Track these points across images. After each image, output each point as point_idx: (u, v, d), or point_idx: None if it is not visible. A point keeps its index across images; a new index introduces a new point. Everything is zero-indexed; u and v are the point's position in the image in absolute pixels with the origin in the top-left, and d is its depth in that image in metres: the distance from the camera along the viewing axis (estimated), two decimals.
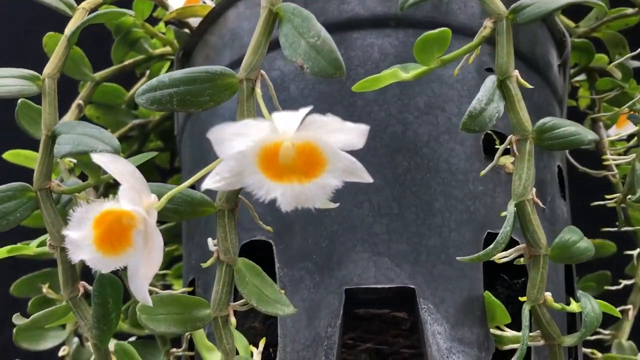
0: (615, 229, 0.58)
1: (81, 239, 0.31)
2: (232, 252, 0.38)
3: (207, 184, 0.30)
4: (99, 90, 0.61)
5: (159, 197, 0.35)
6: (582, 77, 0.64)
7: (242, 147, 0.29)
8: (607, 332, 0.60)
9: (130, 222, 0.32)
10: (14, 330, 0.61)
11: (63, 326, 0.64)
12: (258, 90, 0.36)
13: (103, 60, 0.62)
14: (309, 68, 0.33)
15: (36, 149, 0.60)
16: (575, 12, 0.61)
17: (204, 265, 0.38)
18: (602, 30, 0.58)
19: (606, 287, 0.64)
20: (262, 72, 0.37)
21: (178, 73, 0.37)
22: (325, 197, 0.29)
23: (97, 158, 0.31)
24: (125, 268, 0.33)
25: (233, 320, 0.39)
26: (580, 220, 0.58)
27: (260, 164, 0.29)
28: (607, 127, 0.62)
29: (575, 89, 0.67)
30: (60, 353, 0.62)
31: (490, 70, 0.48)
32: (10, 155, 0.58)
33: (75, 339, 0.63)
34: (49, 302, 0.65)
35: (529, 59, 0.51)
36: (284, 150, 0.30)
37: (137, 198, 0.31)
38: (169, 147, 0.74)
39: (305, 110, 0.29)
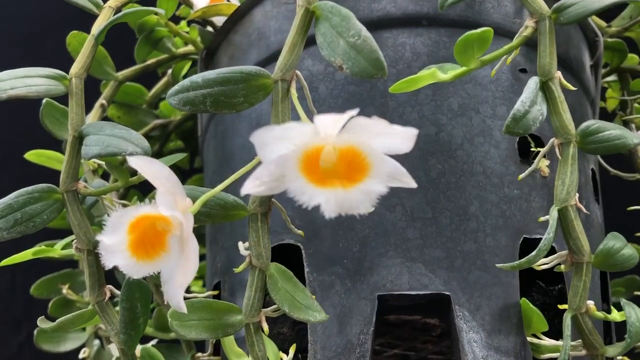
0: None
1: (115, 244, 0.30)
2: (264, 257, 0.37)
3: (247, 189, 0.29)
4: (120, 90, 0.60)
5: (192, 200, 0.34)
6: (611, 77, 0.63)
7: (284, 150, 0.28)
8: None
9: (166, 227, 0.31)
10: (36, 332, 0.60)
11: (83, 328, 0.63)
12: (293, 91, 0.35)
13: (123, 58, 0.61)
14: (348, 68, 0.32)
15: (55, 150, 0.60)
16: (607, 12, 0.60)
17: (237, 270, 0.37)
18: (635, 30, 0.57)
19: (636, 292, 0.63)
20: (297, 72, 0.36)
21: (211, 73, 0.36)
22: (370, 203, 0.28)
23: (133, 161, 0.30)
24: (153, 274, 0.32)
25: (265, 326, 0.38)
26: (611, 224, 0.56)
27: (303, 169, 0.28)
28: (638, 128, 0.61)
29: (603, 89, 0.66)
30: (81, 355, 0.62)
31: (524, 71, 0.47)
32: (32, 156, 0.58)
33: (96, 341, 0.63)
34: (69, 303, 0.65)
35: (563, 60, 0.50)
36: (325, 154, 0.29)
37: (173, 202, 0.30)
38: (189, 148, 0.73)
39: (350, 112, 0.27)
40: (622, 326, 0.45)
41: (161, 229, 0.31)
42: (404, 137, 0.28)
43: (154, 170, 0.31)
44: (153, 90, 0.67)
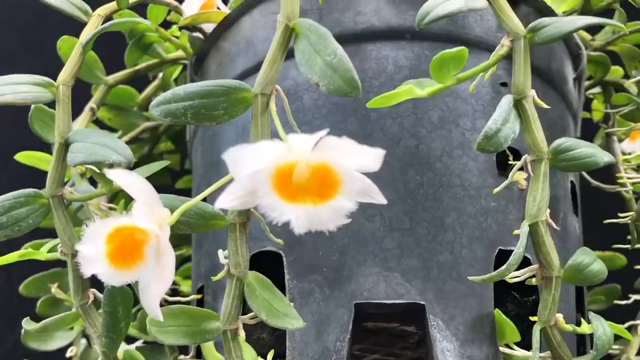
0: (627, 246, 0.57)
1: (93, 254, 0.31)
2: (242, 266, 0.38)
3: (220, 204, 0.30)
4: (111, 92, 0.61)
5: (171, 210, 0.35)
6: (597, 89, 0.63)
7: (257, 166, 0.29)
8: (616, 347, 0.60)
9: (143, 237, 0.32)
10: (22, 332, 0.61)
11: (71, 327, 0.64)
12: (273, 105, 0.36)
13: (114, 61, 0.62)
14: (324, 86, 0.33)
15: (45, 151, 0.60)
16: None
17: (215, 278, 0.38)
18: (619, 44, 0.58)
19: (615, 302, 0.64)
20: (277, 87, 0.37)
21: (193, 86, 0.37)
22: (339, 220, 0.29)
23: (111, 174, 0.31)
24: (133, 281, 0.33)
25: (242, 333, 0.39)
26: (591, 233, 0.57)
27: (275, 185, 0.29)
28: (620, 140, 0.62)
29: (589, 100, 0.67)
30: (68, 354, 0.63)
31: (504, 85, 0.48)
32: (22, 157, 0.59)
33: (83, 340, 0.64)
34: (58, 302, 0.65)
35: (544, 74, 0.51)
36: (298, 170, 0.30)
37: (150, 213, 0.31)
38: (179, 149, 0.74)
39: (321, 133, 0.28)
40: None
41: (139, 239, 0.32)
42: (371, 157, 0.29)
43: (131, 182, 0.32)
44: (144, 93, 0.68)
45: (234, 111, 0.37)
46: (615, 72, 0.61)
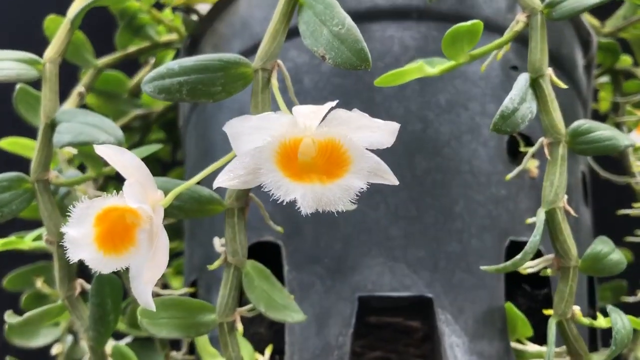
0: (636, 238, 0.55)
1: (81, 237, 0.28)
2: (240, 254, 0.36)
3: (219, 182, 0.28)
4: (100, 78, 0.58)
5: (165, 193, 0.32)
6: (604, 79, 0.61)
7: (259, 142, 0.27)
8: None
9: (135, 220, 0.29)
10: (7, 326, 0.58)
11: (57, 323, 0.61)
12: (274, 81, 0.34)
13: (105, 46, 0.59)
14: (331, 59, 0.31)
15: (33, 137, 0.58)
16: (601, 11, 0.58)
17: (211, 267, 0.36)
18: (629, 31, 0.56)
19: (622, 298, 0.62)
20: (279, 62, 0.34)
21: (189, 60, 0.34)
22: (349, 199, 0.27)
23: (100, 150, 0.28)
24: (126, 268, 0.30)
25: (240, 326, 0.36)
26: (600, 228, 0.55)
27: (279, 162, 0.27)
28: (629, 130, 0.60)
29: (596, 90, 0.65)
30: (54, 351, 0.60)
31: (515, 68, 0.46)
32: (7, 144, 0.56)
33: (70, 337, 0.61)
34: (44, 297, 0.63)
35: (554, 58, 0.48)
36: (304, 147, 0.27)
37: (143, 194, 0.29)
38: (171, 139, 0.72)
39: (329, 104, 0.26)
40: (608, 331, 0.44)
41: (130, 222, 0.29)
42: (386, 131, 0.27)
43: (123, 160, 0.29)
44: (134, 80, 0.65)
45: (233, 87, 0.34)
46: (625, 61, 0.59)
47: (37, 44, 0.47)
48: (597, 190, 0.58)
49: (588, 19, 0.59)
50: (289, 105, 0.34)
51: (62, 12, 0.51)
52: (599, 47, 0.57)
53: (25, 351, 0.60)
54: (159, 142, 0.70)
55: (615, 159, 0.60)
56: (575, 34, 0.53)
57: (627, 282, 0.64)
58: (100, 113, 0.65)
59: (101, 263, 0.29)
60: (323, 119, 0.27)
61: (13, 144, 0.56)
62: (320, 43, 0.31)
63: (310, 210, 0.26)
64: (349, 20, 0.31)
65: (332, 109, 0.26)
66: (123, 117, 0.65)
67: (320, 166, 0.27)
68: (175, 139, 0.71)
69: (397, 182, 0.29)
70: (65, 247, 0.29)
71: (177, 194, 0.32)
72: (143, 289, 0.29)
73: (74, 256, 0.29)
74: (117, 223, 0.29)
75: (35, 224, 0.56)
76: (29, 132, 0.57)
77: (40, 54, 0.42)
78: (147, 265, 0.29)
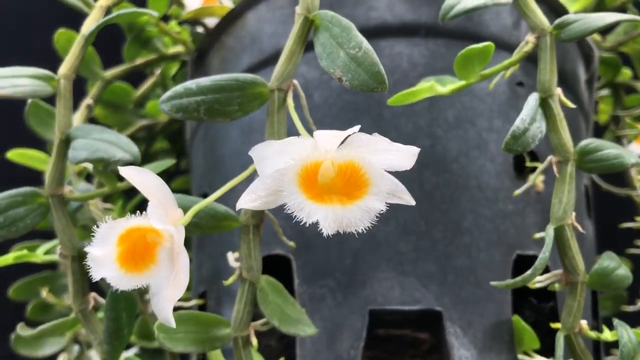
0: (637, 250, 0.56)
1: (104, 256, 0.29)
2: (255, 270, 0.36)
3: (242, 203, 0.28)
4: (106, 89, 0.59)
5: (182, 209, 0.33)
6: (604, 92, 0.62)
7: (281, 165, 0.27)
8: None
9: (156, 239, 0.30)
10: (14, 336, 0.59)
11: (62, 332, 0.62)
12: (290, 101, 0.34)
13: (110, 56, 0.60)
14: (348, 81, 0.31)
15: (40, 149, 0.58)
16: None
17: (226, 283, 0.36)
18: (630, 45, 0.57)
19: (622, 307, 0.62)
20: (295, 82, 0.35)
21: (206, 80, 0.35)
22: (369, 220, 0.27)
23: (124, 171, 0.29)
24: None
25: (254, 340, 0.37)
26: (598, 238, 0.56)
27: (301, 184, 0.27)
28: (629, 142, 0.61)
29: (595, 102, 0.66)
30: None
31: (521, 85, 0.47)
32: (15, 155, 0.56)
33: (76, 347, 0.61)
34: (49, 306, 0.63)
35: (558, 74, 0.49)
36: (324, 169, 0.28)
37: (165, 214, 0.29)
38: (175, 149, 0.72)
39: (351, 130, 0.27)
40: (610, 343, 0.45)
41: (151, 241, 0.30)
42: (405, 155, 0.27)
43: (144, 180, 0.30)
44: (140, 91, 0.66)
45: (249, 107, 0.35)
46: (625, 75, 0.60)
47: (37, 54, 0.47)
48: (598, 202, 0.59)
49: None
50: (304, 122, 0.35)
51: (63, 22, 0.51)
52: (600, 61, 0.58)
53: None
54: (163, 152, 0.71)
55: (615, 172, 0.61)
56: (578, 50, 0.53)
57: (627, 292, 0.64)
58: (106, 123, 0.66)
59: (123, 281, 0.30)
60: (343, 141, 0.28)
61: (21, 155, 0.57)
62: (337, 65, 0.32)
63: (332, 231, 0.27)
64: (365, 43, 0.32)
65: (352, 133, 0.27)
66: (129, 127, 0.66)
67: (339, 188, 0.28)
68: (179, 148, 0.71)
69: (413, 203, 0.30)
70: (88, 265, 0.29)
71: (194, 213, 0.32)
72: (164, 306, 0.30)
73: (96, 274, 0.29)
74: (138, 242, 0.30)
75: (41, 233, 0.57)
76: (34, 144, 0.58)
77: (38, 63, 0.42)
78: (169, 283, 0.29)
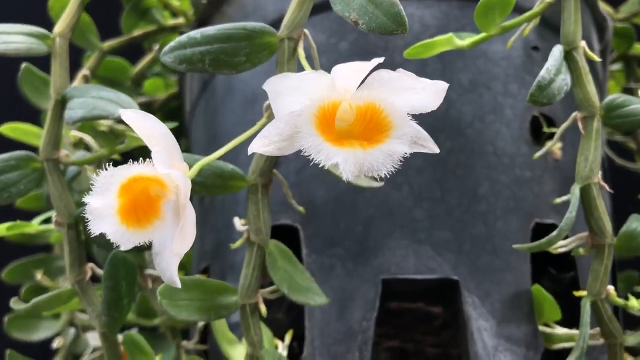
0: None
1: (104, 207, 0.27)
2: (264, 232, 0.34)
3: (254, 147, 0.26)
4: (103, 64, 0.57)
5: None
6: (615, 66, 0.61)
7: (297, 106, 0.25)
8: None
9: (160, 191, 0.27)
10: (7, 319, 0.56)
11: (57, 315, 0.59)
12: (301, 50, 0.32)
13: (108, 29, 0.58)
14: (365, 23, 0.29)
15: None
16: None
17: (234, 246, 0.35)
18: None
19: (635, 288, 0.61)
20: (306, 31, 0.33)
21: (211, 29, 0.33)
22: (392, 164, 0.25)
23: (126, 115, 0.27)
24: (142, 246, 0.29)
25: (263, 308, 0.35)
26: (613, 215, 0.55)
27: (318, 126, 0.25)
28: None
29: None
30: (55, 345, 0.58)
31: (536, 49, 0.45)
32: (7, 129, 0.54)
33: (72, 330, 0.59)
34: (44, 289, 0.61)
35: None
36: (341, 112, 0.26)
37: (170, 163, 0.27)
38: (173, 129, 0.70)
39: (374, 61, 0.25)
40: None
41: (155, 194, 0.28)
42: (431, 92, 0.26)
43: (149, 126, 0.28)
44: (138, 67, 0.64)
45: (258, 57, 0.33)
46: (636, 49, 0.59)
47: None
48: (613, 177, 0.57)
49: (602, 5, 0.58)
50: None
51: None
52: (613, 33, 0.56)
53: (25, 345, 0.58)
54: None
55: (629, 148, 0.59)
56: (591, 19, 0.52)
57: (639, 273, 0.63)
58: None
59: (124, 236, 0.28)
60: (363, 80, 0.26)
61: (14, 129, 0.55)
62: (352, 8, 0.30)
63: (352, 175, 0.25)
64: None
65: (374, 68, 0.25)
66: None
67: (359, 132, 0.26)
68: (177, 128, 0.69)
69: (438, 150, 0.28)
70: (87, 218, 0.27)
71: (201, 167, 0.30)
72: (169, 263, 0.28)
73: (96, 228, 0.27)
74: (141, 195, 0.28)
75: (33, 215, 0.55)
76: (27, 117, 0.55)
77: None
78: (175, 237, 0.27)
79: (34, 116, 0.55)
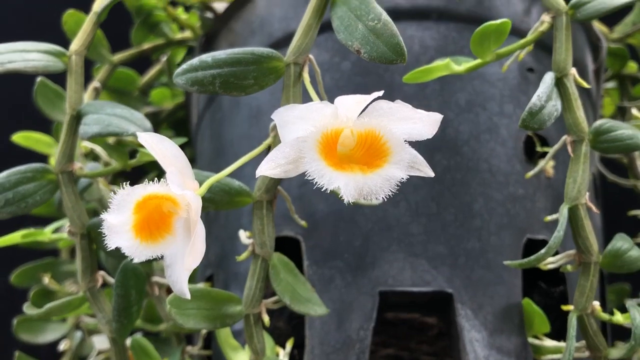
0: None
1: (120, 224, 0.29)
2: (268, 246, 0.36)
3: (262, 170, 0.28)
4: (112, 75, 0.58)
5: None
6: (609, 84, 0.63)
7: (302, 132, 0.27)
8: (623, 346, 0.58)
9: (173, 209, 0.29)
10: (15, 321, 0.58)
11: (64, 319, 0.61)
12: (306, 75, 0.34)
13: (116, 41, 0.59)
14: (367, 53, 0.31)
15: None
16: (611, 17, 0.60)
17: (239, 258, 0.36)
18: (637, 37, 0.57)
19: (625, 300, 0.62)
20: (311, 56, 0.35)
21: (222, 53, 0.35)
22: (390, 189, 0.27)
23: (143, 138, 0.29)
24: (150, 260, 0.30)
25: (266, 318, 0.37)
26: (604, 231, 0.56)
27: (321, 151, 0.27)
28: None
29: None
30: (62, 347, 0.60)
31: (531, 71, 0.47)
32: (21, 138, 0.56)
33: (78, 333, 0.61)
34: (51, 293, 0.62)
35: None
36: (344, 138, 0.28)
37: (183, 183, 0.29)
38: (179, 137, 0.72)
39: (374, 94, 0.27)
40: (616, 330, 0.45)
41: (167, 211, 0.30)
42: (427, 122, 0.27)
43: (164, 148, 0.29)
44: (145, 77, 0.65)
45: (265, 81, 0.35)
46: (630, 67, 0.61)
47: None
48: (604, 193, 0.59)
49: (597, 25, 0.60)
50: (320, 98, 0.34)
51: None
52: (607, 53, 0.58)
53: (32, 348, 0.60)
54: None
55: (621, 164, 0.61)
56: (586, 40, 0.54)
57: (630, 285, 0.65)
58: None
59: (137, 250, 0.29)
60: (364, 110, 0.28)
61: (27, 138, 0.56)
62: (355, 37, 0.32)
63: (352, 198, 0.27)
64: (385, 15, 0.32)
65: (374, 99, 0.27)
66: None
67: (359, 157, 0.28)
68: (183, 136, 0.71)
69: (432, 174, 0.29)
70: (104, 233, 0.29)
71: (210, 185, 0.32)
72: (179, 276, 0.30)
73: (112, 243, 0.29)
74: (154, 211, 0.30)
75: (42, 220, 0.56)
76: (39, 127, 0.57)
77: None
78: (186, 252, 0.29)
79: (40, 121, 0.57)
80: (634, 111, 0.58)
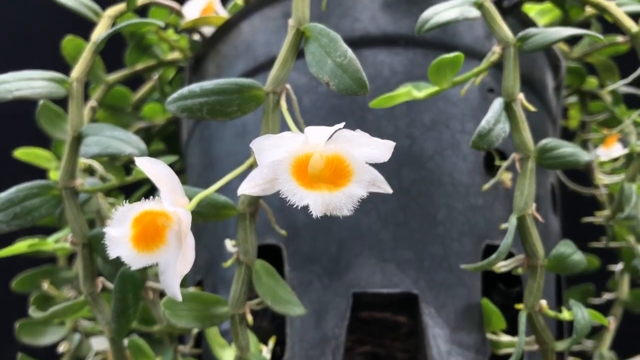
0: (601, 244, 0.61)
1: (120, 236, 0.33)
2: (251, 253, 0.41)
3: (243, 189, 0.33)
4: (107, 94, 0.63)
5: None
6: (573, 99, 0.67)
7: (277, 156, 0.32)
8: (589, 342, 0.63)
9: (166, 222, 0.34)
10: (17, 325, 0.62)
11: (63, 322, 0.65)
12: (283, 103, 0.39)
13: (109, 61, 0.64)
14: (334, 85, 0.36)
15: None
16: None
17: (225, 265, 0.41)
18: (595, 56, 0.62)
19: (589, 300, 0.67)
20: (288, 86, 0.39)
21: (209, 84, 0.39)
22: (352, 205, 0.32)
23: (139, 162, 0.33)
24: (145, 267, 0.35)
25: (250, 318, 0.41)
26: (567, 236, 0.61)
27: (293, 173, 0.32)
28: (595, 146, 0.66)
29: (565, 109, 0.71)
30: (61, 349, 0.64)
31: (491, 91, 0.51)
32: (22, 154, 0.60)
33: (77, 335, 0.65)
34: (50, 298, 0.66)
35: (527, 81, 0.54)
36: (313, 161, 0.32)
37: (174, 200, 0.33)
38: (170, 150, 0.76)
39: (337, 126, 0.31)
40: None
41: (161, 224, 0.34)
42: (383, 148, 0.32)
43: (158, 170, 0.34)
44: (138, 94, 0.70)
45: (247, 107, 0.39)
46: (591, 83, 0.65)
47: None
48: (567, 201, 0.64)
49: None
50: (295, 123, 0.39)
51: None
52: (567, 71, 0.63)
53: (33, 349, 0.64)
54: (159, 153, 0.75)
55: (582, 173, 0.66)
56: (546, 59, 0.58)
57: (594, 286, 0.69)
58: None
59: (135, 259, 0.34)
60: (330, 137, 0.32)
61: (28, 154, 0.61)
62: (325, 72, 0.36)
63: (320, 213, 0.31)
64: (350, 52, 0.36)
65: (338, 129, 0.31)
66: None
67: (327, 177, 0.32)
68: (174, 150, 0.75)
69: (391, 191, 0.34)
70: (106, 245, 0.33)
71: (199, 200, 0.37)
72: (172, 281, 0.34)
73: (112, 253, 0.33)
74: (149, 225, 0.34)
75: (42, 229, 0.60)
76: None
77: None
78: (176, 262, 0.33)
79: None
80: (594, 125, 0.63)
